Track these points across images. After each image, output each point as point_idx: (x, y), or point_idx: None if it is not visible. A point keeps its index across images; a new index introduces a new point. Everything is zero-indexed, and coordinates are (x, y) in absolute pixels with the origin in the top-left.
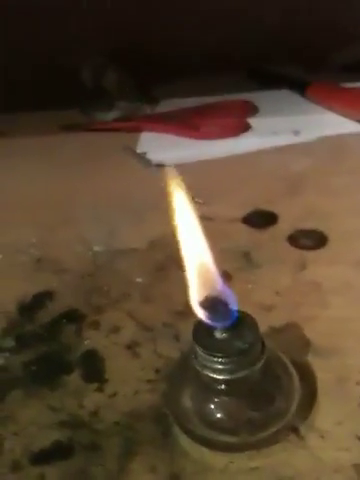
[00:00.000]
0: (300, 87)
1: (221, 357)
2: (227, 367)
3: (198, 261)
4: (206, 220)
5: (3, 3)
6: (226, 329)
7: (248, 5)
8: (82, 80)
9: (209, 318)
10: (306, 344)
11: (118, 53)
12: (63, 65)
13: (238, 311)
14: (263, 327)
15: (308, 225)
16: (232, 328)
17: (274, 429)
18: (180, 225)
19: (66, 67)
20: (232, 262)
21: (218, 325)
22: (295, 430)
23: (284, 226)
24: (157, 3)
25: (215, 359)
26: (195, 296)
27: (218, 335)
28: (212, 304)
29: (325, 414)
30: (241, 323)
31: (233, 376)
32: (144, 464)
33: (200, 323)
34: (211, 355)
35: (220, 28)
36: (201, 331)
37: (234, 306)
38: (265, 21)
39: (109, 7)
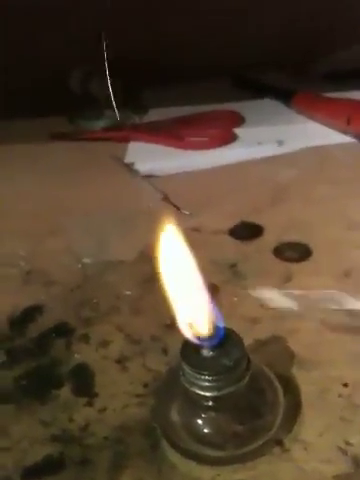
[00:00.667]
0: (285, 97)
1: (208, 375)
2: (214, 384)
3: (185, 280)
4: (193, 231)
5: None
6: (213, 347)
7: (240, 14)
8: (70, 88)
9: (197, 338)
10: (290, 357)
11: (107, 59)
12: (53, 70)
13: (224, 328)
14: (248, 340)
15: (293, 237)
16: (219, 346)
17: (260, 442)
18: (166, 245)
19: (56, 72)
20: (218, 274)
21: (205, 344)
22: (279, 442)
23: (270, 238)
24: (150, 11)
25: (202, 377)
26: (182, 316)
27: (205, 353)
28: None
29: (309, 426)
30: (227, 340)
31: (220, 393)
32: (133, 477)
33: (187, 341)
34: (198, 373)
35: (211, 36)
36: (188, 349)
37: (220, 324)
38: (256, 29)
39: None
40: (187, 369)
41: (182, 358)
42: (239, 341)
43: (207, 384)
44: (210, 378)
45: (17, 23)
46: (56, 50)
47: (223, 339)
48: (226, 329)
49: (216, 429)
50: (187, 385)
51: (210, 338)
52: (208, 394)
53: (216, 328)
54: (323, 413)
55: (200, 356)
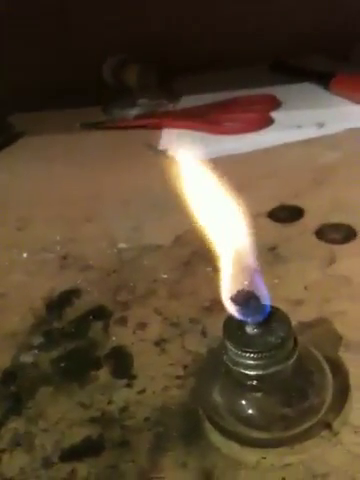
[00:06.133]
0: (324, 80)
1: (253, 353)
2: (259, 363)
3: (231, 254)
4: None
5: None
6: (258, 324)
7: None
8: (103, 77)
9: (241, 313)
10: (337, 339)
11: (140, 46)
12: (85, 60)
13: (270, 306)
14: (292, 322)
15: (335, 219)
16: (264, 323)
17: (307, 425)
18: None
19: (88, 62)
20: (258, 257)
21: (250, 320)
22: (328, 426)
23: (311, 220)
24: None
25: (247, 355)
26: (226, 290)
27: (249, 330)
28: (244, 299)
29: (358, 409)
30: (273, 318)
31: (265, 372)
32: (175, 460)
33: (230, 318)
34: (242, 351)
35: (246, 21)
36: (232, 326)
37: (266, 301)
38: (293, 13)
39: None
40: (230, 347)
41: (225, 335)
42: (286, 319)
43: (251, 362)
44: (254, 356)
45: (49, 13)
46: (88, 38)
47: (268, 316)
48: (272, 307)
49: (261, 410)
50: (230, 364)
51: (255, 314)
52: (252, 373)
53: (262, 304)
54: None
55: (244, 334)
